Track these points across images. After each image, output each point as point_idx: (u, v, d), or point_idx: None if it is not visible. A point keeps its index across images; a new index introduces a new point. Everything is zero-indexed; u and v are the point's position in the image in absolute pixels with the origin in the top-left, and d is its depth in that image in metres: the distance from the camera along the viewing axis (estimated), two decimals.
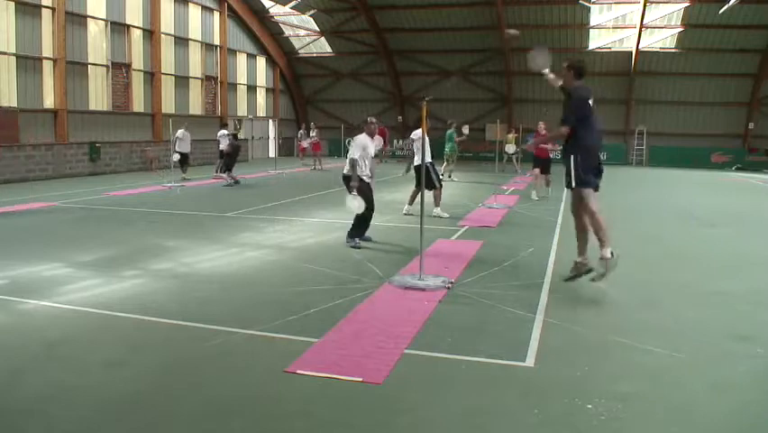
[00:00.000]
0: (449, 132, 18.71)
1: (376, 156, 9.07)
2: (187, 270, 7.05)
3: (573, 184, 6.08)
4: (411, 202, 11.29)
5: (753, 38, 25.52)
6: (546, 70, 6.75)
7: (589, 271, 6.21)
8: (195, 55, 25.62)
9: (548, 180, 14.77)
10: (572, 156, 6.09)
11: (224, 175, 17.14)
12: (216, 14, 26.79)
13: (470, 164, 26.68)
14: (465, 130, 19.70)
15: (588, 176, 6.07)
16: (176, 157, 18.29)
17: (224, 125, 20.52)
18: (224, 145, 19.40)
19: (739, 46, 25.90)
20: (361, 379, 3.98)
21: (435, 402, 3.71)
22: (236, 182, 16.98)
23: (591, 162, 6.14)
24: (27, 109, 18.01)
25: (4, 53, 17.40)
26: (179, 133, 18.14)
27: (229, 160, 17.25)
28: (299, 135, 26.28)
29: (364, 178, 8.35)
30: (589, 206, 6.05)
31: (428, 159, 10.01)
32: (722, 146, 28.28)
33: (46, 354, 4.41)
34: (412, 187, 11.50)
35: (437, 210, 11.18)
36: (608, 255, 5.97)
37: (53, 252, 7.83)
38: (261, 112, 31.20)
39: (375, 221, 10.69)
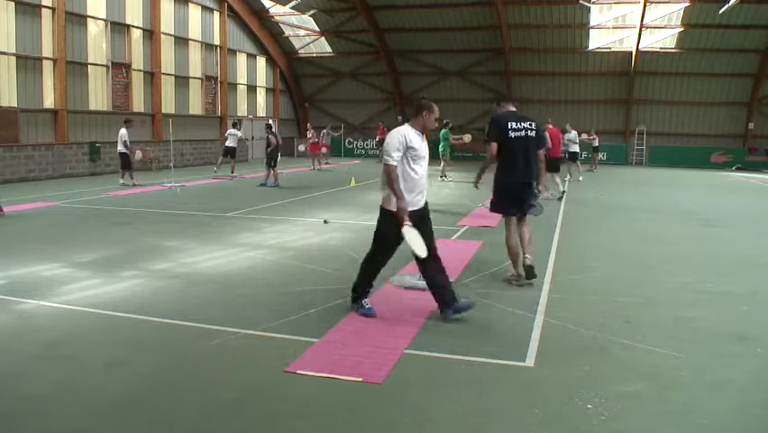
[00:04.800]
0: (443, 131, 19.12)
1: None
2: (187, 270, 7.05)
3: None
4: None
5: (753, 38, 25.50)
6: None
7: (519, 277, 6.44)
8: (195, 55, 25.61)
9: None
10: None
11: (273, 171, 16.42)
12: (216, 14, 26.78)
13: (470, 164, 26.65)
14: (467, 138, 19.67)
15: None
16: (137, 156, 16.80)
17: (234, 124, 20.51)
18: (230, 143, 19.51)
19: (739, 46, 25.87)
20: (361, 379, 3.98)
21: (435, 402, 3.71)
22: (276, 184, 16.32)
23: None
24: (27, 109, 18.01)
25: (4, 53, 17.40)
26: (122, 132, 16.28)
27: (271, 155, 16.46)
28: (321, 134, 25.70)
29: None
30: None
31: None
32: (722, 146, 28.27)
33: (46, 354, 4.41)
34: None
35: None
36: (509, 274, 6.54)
37: (53, 252, 7.83)
38: (261, 112, 31.19)
39: (374, 222, 10.70)
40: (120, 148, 16.34)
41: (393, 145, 5.00)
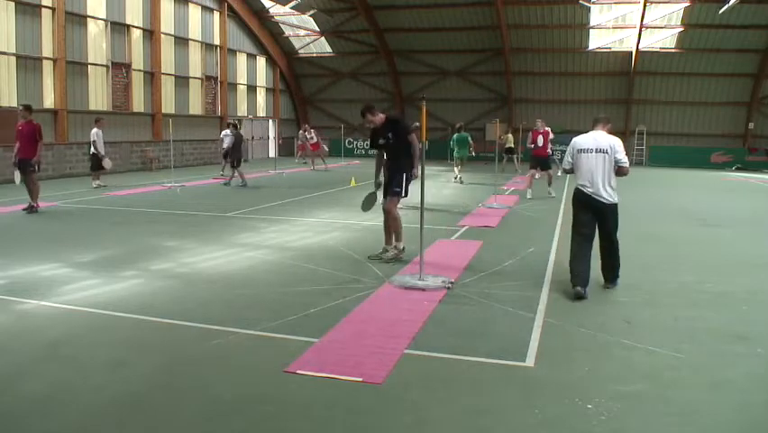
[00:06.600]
0: (462, 135, 18.56)
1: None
2: (187, 270, 7.05)
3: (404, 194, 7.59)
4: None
5: (753, 38, 25.51)
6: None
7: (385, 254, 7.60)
8: (195, 55, 25.60)
9: (549, 176, 14.83)
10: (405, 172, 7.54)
11: (232, 173, 16.46)
12: (216, 14, 26.78)
13: (469, 164, 26.64)
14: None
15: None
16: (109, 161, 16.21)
17: (227, 125, 20.50)
18: (228, 144, 19.48)
19: (739, 46, 25.89)
20: (361, 379, 3.98)
21: (435, 402, 3.71)
22: (227, 183, 16.40)
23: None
24: None
25: (4, 53, 17.39)
26: (93, 132, 15.83)
27: (233, 155, 16.49)
28: (300, 136, 26.18)
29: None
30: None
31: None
32: (722, 146, 28.27)
33: (46, 354, 4.41)
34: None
35: None
36: (401, 248, 7.62)
37: (53, 252, 7.83)
38: (261, 112, 31.20)
39: (374, 222, 10.70)
40: (94, 149, 15.79)
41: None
